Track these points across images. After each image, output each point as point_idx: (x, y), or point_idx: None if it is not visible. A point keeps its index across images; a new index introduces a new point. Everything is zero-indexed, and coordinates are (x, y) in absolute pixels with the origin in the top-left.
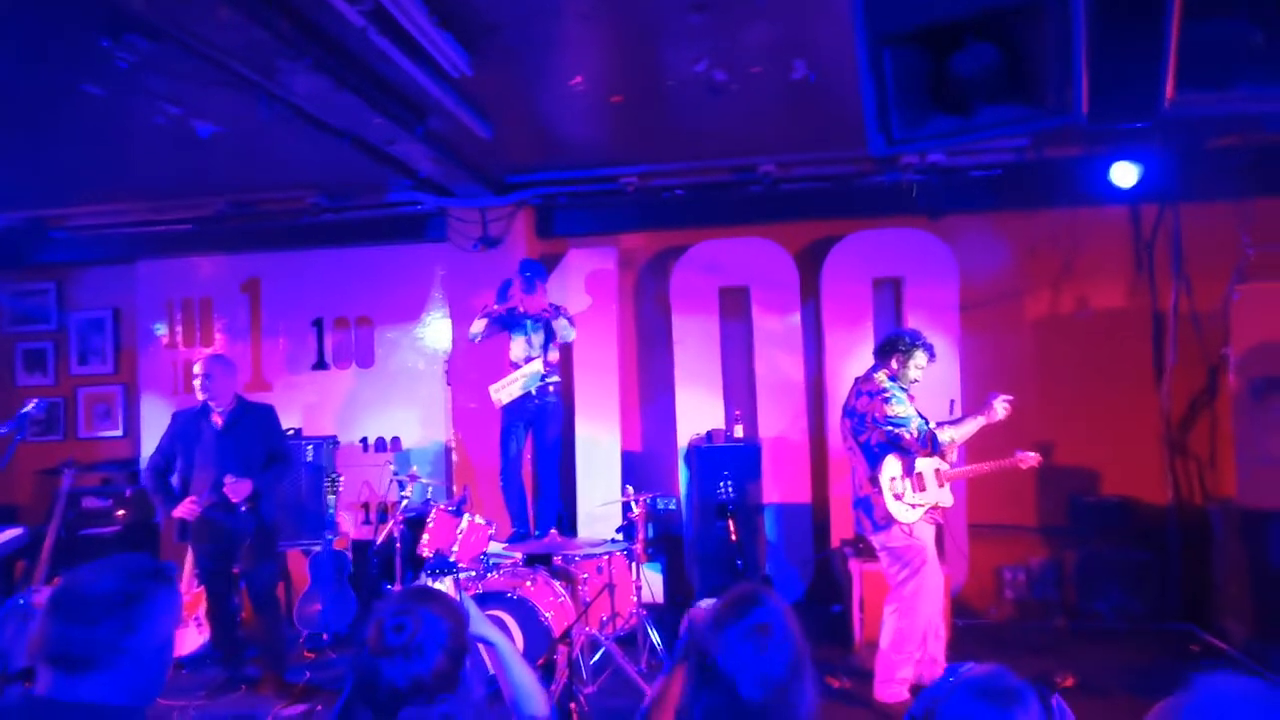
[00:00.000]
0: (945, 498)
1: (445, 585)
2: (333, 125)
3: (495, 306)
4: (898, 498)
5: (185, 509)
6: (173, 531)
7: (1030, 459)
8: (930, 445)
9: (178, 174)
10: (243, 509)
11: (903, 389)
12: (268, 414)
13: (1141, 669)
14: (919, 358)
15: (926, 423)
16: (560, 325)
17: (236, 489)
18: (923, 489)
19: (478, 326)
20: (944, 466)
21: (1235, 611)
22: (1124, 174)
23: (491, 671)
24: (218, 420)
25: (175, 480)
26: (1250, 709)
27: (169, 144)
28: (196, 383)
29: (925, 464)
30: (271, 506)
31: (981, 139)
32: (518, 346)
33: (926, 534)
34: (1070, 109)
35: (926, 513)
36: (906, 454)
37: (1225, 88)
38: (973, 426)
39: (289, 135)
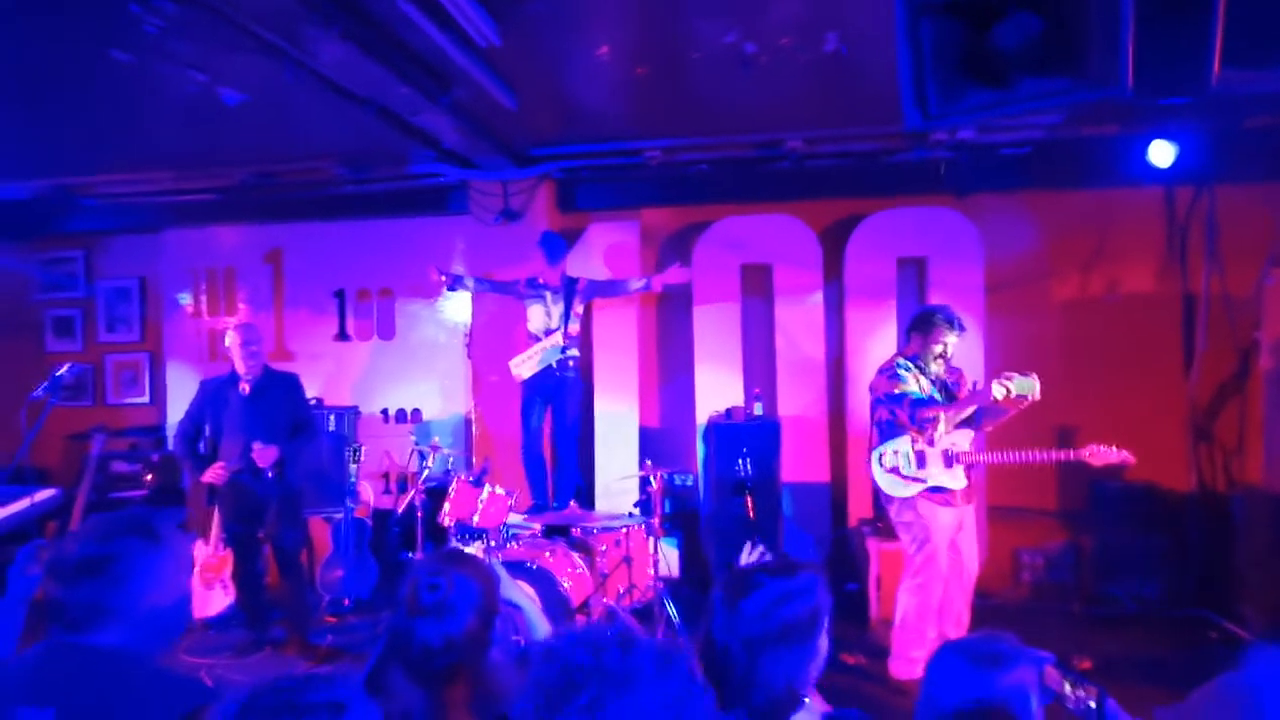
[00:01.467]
0: (951, 480)
1: (475, 550)
2: (358, 94)
3: (497, 279)
4: (891, 471)
5: (214, 474)
6: (201, 496)
7: (1105, 455)
8: (917, 425)
9: (202, 143)
10: (269, 475)
11: (920, 367)
12: (293, 383)
13: (1158, 654)
14: (941, 334)
15: (930, 403)
16: (633, 284)
17: (264, 455)
18: (923, 466)
19: (469, 281)
20: (960, 447)
21: (1256, 599)
22: (1161, 153)
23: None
24: (245, 388)
25: (203, 446)
26: None
27: (194, 113)
28: (237, 352)
29: (959, 443)
30: (297, 473)
31: (1021, 112)
32: (536, 317)
33: (936, 514)
34: (1115, 81)
35: (944, 495)
36: (920, 430)
37: (1272, 66)
38: (966, 408)
39: (313, 105)
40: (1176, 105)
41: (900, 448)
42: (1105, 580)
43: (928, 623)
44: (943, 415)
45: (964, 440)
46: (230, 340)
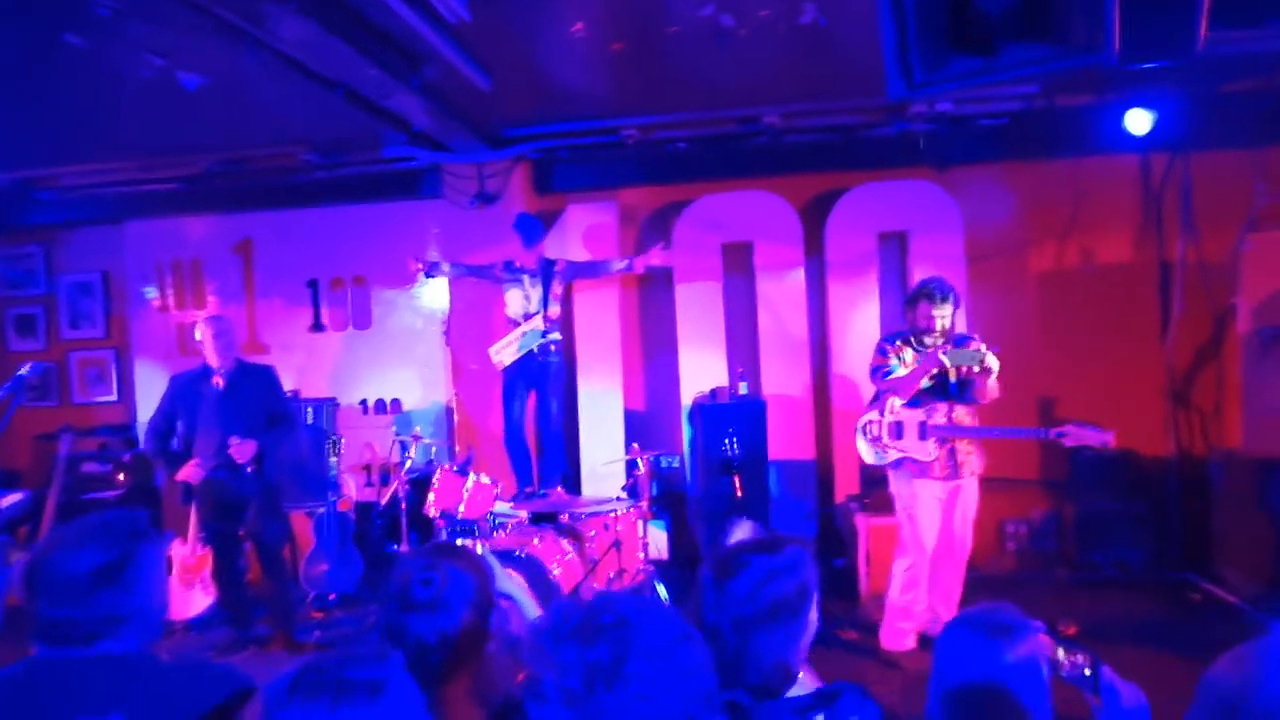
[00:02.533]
0: (921, 452)
1: (467, 543)
2: (325, 76)
3: (473, 263)
4: (873, 441)
5: (189, 472)
6: (176, 495)
7: (1082, 436)
8: (877, 398)
9: (165, 131)
10: (248, 470)
11: (911, 342)
12: (268, 375)
13: (1142, 617)
14: (924, 306)
15: (887, 373)
16: (614, 265)
17: (242, 450)
18: (898, 437)
19: (446, 266)
20: (936, 420)
21: (1236, 560)
22: (1138, 121)
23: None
24: (219, 382)
25: (176, 443)
26: None
27: (155, 99)
28: (209, 344)
29: (908, 414)
30: (275, 467)
31: (1005, 80)
32: (515, 302)
33: (916, 486)
34: (1101, 48)
35: (919, 466)
36: (912, 403)
37: (1259, 24)
38: (918, 379)
39: (279, 88)
40: (1154, 72)
41: (880, 418)
42: (1088, 547)
43: (916, 596)
44: (897, 389)
45: (941, 415)
46: (201, 333)
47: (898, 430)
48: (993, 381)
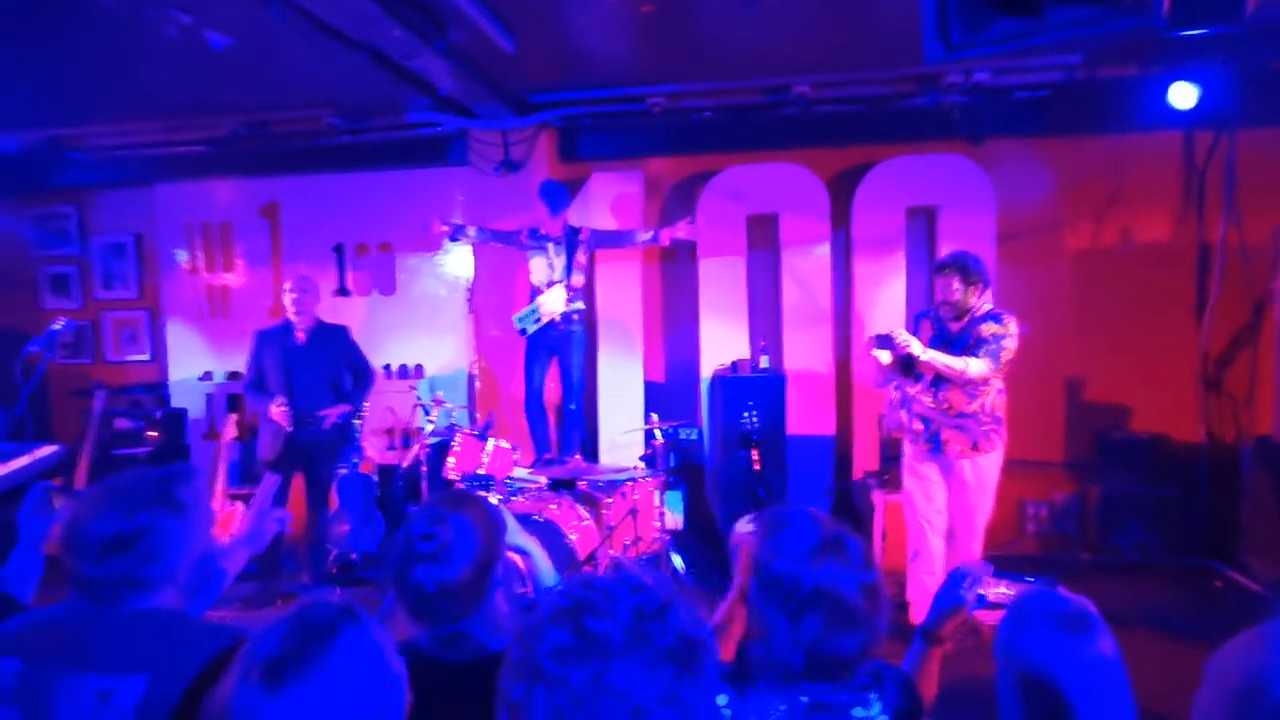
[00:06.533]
0: (907, 425)
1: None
2: (349, 36)
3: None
4: (888, 404)
5: (279, 413)
6: (266, 446)
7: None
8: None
9: (191, 91)
10: (324, 426)
11: (930, 316)
12: (344, 333)
13: (1163, 602)
14: (934, 280)
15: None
16: (640, 236)
17: (337, 413)
18: (903, 407)
19: (471, 231)
20: (922, 397)
21: (1261, 548)
22: (1183, 95)
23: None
24: (301, 336)
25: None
26: None
27: (182, 59)
28: (288, 300)
29: (912, 388)
30: (351, 417)
31: (1049, 44)
32: (539, 269)
33: (908, 456)
34: (1150, 9)
35: (911, 437)
36: (916, 375)
37: None
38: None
39: (304, 49)
40: (1201, 42)
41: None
42: (1111, 530)
43: (918, 566)
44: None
45: (926, 393)
46: (289, 289)
47: (903, 401)
48: (965, 370)
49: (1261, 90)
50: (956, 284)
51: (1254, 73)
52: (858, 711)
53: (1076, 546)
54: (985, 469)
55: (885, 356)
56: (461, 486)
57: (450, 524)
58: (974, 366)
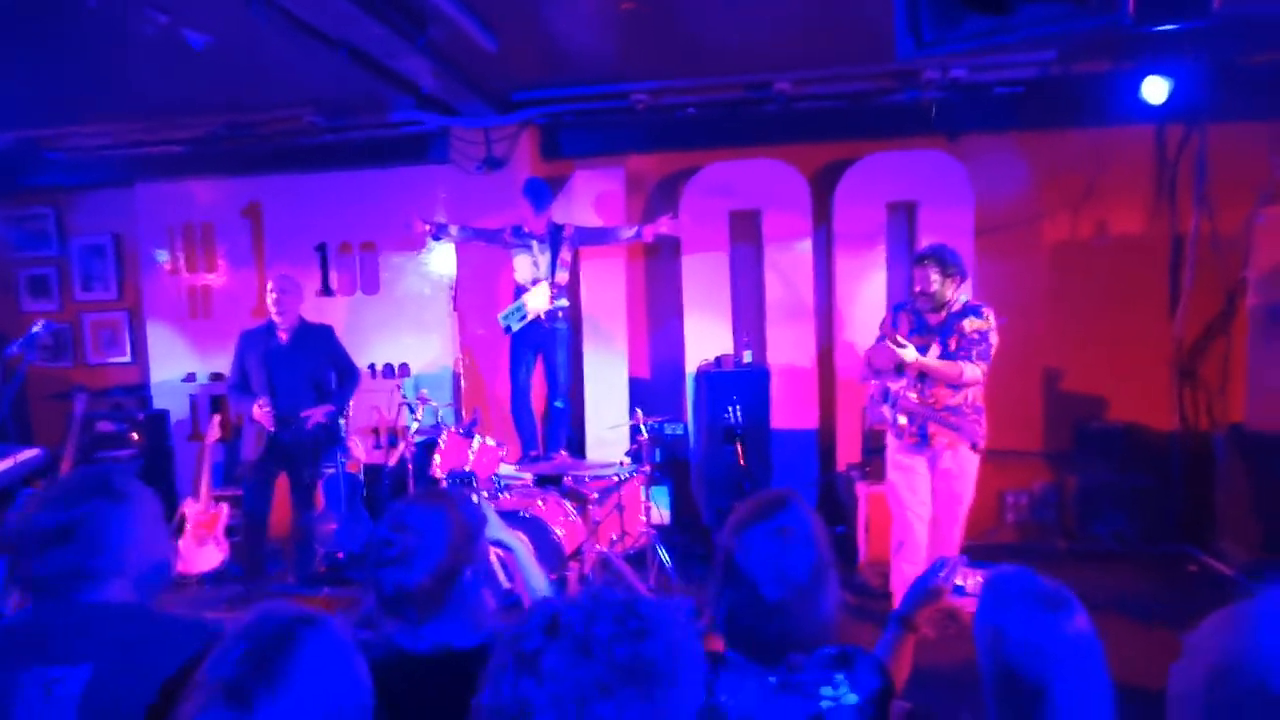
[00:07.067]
0: (891, 419)
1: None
2: (328, 34)
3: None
4: (869, 397)
5: (262, 414)
6: (191, 455)
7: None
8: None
9: (172, 91)
10: (308, 427)
11: (908, 309)
12: (328, 333)
13: (1139, 588)
14: (914, 271)
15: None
16: (623, 233)
17: (319, 414)
18: (883, 401)
19: (454, 230)
20: (907, 393)
21: (1235, 534)
22: (1155, 89)
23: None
24: (283, 337)
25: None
26: None
27: (161, 58)
28: (270, 300)
29: (896, 382)
30: (337, 417)
31: (1018, 41)
32: (523, 267)
33: (894, 450)
34: (1116, 7)
35: (895, 430)
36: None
37: None
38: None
39: (284, 47)
40: (1172, 38)
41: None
42: (1088, 519)
43: (902, 557)
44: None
45: (911, 389)
46: (271, 289)
47: (886, 394)
48: (960, 375)
49: (1231, 84)
50: (934, 275)
51: (1224, 67)
52: (826, 691)
53: (1055, 535)
54: (967, 458)
55: (910, 353)
56: (443, 485)
57: (413, 529)
58: (969, 372)
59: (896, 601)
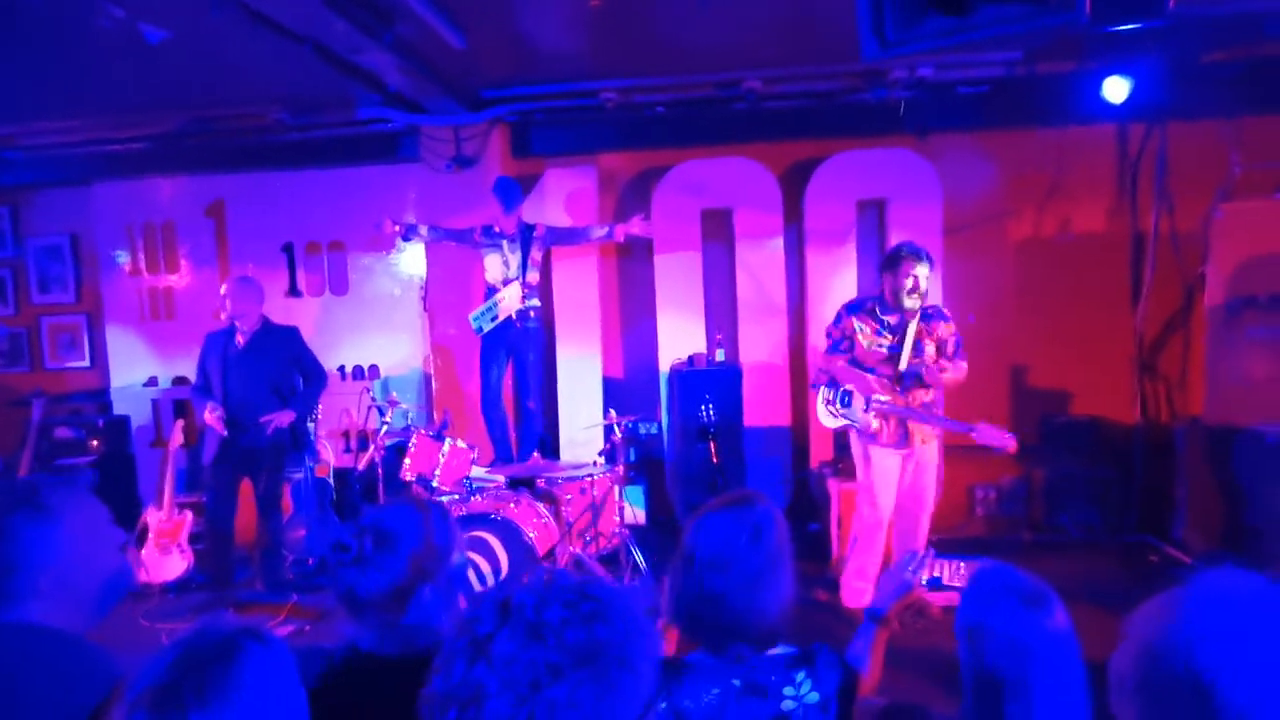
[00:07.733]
0: (866, 423)
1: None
2: (292, 30)
3: (451, 227)
4: (828, 404)
5: (212, 419)
6: (154, 462)
7: (990, 436)
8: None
9: (131, 87)
10: (267, 431)
11: (866, 310)
12: (292, 335)
13: (1102, 577)
14: (908, 266)
15: (831, 351)
16: (595, 232)
17: (279, 419)
18: (847, 405)
19: (424, 230)
20: (879, 395)
21: (1195, 524)
22: (1116, 89)
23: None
24: (240, 340)
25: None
26: (1254, 602)
27: (119, 53)
28: (229, 303)
29: (867, 391)
30: (302, 421)
31: (980, 40)
32: (494, 267)
33: (870, 452)
34: (1073, 7)
35: (870, 434)
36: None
37: None
38: (853, 380)
39: (246, 43)
40: (1133, 38)
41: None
42: (1054, 510)
43: (869, 556)
44: (833, 375)
45: (886, 391)
46: (224, 293)
47: (847, 399)
48: (964, 374)
49: (1189, 83)
50: (929, 273)
51: (1182, 66)
52: (788, 691)
53: (1022, 527)
54: (934, 451)
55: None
56: (417, 492)
57: (371, 534)
58: (962, 372)
59: (845, 595)
